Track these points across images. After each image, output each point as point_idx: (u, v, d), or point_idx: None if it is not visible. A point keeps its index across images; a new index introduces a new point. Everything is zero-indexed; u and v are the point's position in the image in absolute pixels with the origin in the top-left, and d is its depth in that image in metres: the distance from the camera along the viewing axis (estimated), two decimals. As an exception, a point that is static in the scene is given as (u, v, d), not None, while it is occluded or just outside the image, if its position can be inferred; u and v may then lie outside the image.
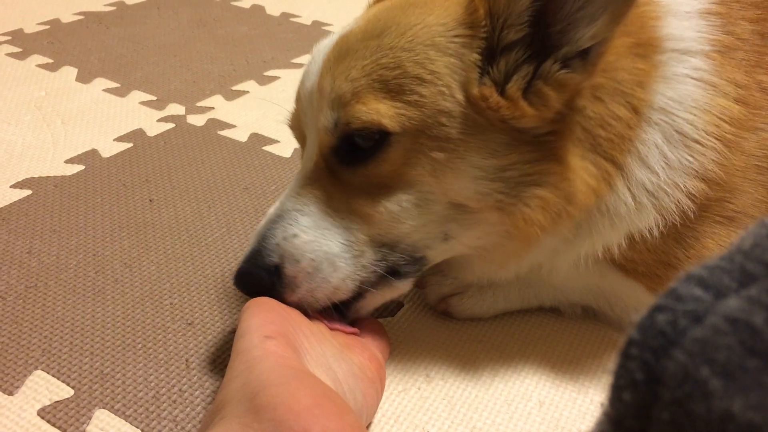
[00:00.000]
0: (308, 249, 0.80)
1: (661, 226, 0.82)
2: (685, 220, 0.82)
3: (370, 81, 0.76)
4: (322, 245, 0.81)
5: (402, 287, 0.86)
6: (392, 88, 0.76)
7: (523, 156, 0.77)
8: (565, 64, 0.75)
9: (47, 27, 1.93)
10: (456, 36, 0.76)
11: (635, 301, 0.93)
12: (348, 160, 0.80)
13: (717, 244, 0.85)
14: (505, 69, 0.76)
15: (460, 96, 0.76)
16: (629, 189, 0.81)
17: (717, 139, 0.81)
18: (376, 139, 0.76)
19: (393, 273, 0.84)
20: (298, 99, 0.87)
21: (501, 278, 0.94)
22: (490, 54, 0.76)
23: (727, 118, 0.81)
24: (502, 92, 0.76)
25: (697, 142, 0.80)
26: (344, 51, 0.80)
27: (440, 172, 0.78)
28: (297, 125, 0.89)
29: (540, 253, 0.87)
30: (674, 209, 0.81)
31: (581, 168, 0.78)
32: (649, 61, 0.80)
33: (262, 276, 0.81)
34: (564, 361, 0.93)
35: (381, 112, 0.75)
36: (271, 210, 0.86)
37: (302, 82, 0.86)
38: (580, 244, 0.86)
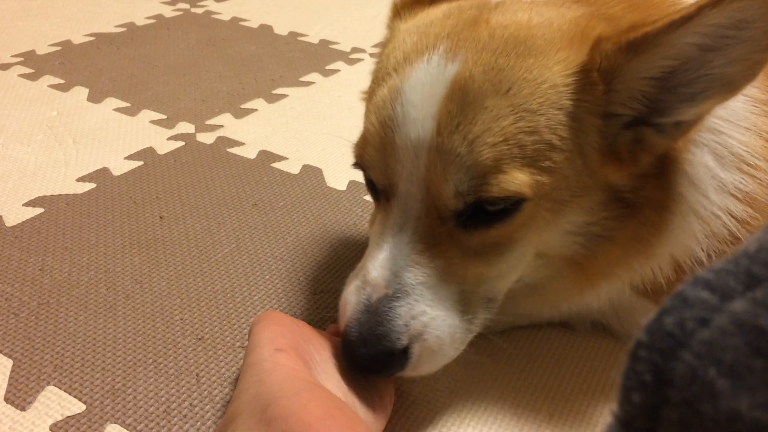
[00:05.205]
0: (434, 325, 0.76)
1: (707, 250, 0.81)
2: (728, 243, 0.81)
3: (509, 146, 0.71)
4: (446, 319, 0.76)
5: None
6: (529, 154, 0.72)
7: (611, 212, 0.78)
8: (659, 128, 0.75)
9: (59, 48, 1.96)
10: (579, 100, 0.73)
11: (645, 318, 0.93)
12: (469, 223, 0.75)
13: None
14: (613, 132, 0.75)
15: (579, 161, 0.74)
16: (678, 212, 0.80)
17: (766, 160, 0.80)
18: (509, 205, 0.74)
19: None
20: (390, 144, 0.76)
21: (549, 318, 0.98)
22: (603, 118, 0.75)
23: None
24: (610, 154, 0.75)
25: (747, 163, 0.79)
26: (470, 104, 0.72)
27: (543, 230, 0.77)
28: (383, 169, 0.78)
29: (602, 293, 0.88)
30: (726, 234, 0.80)
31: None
32: None
33: (394, 362, 0.76)
34: (573, 374, 0.93)
35: (523, 181, 0.71)
36: (376, 277, 0.77)
37: (396, 126, 0.75)
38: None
